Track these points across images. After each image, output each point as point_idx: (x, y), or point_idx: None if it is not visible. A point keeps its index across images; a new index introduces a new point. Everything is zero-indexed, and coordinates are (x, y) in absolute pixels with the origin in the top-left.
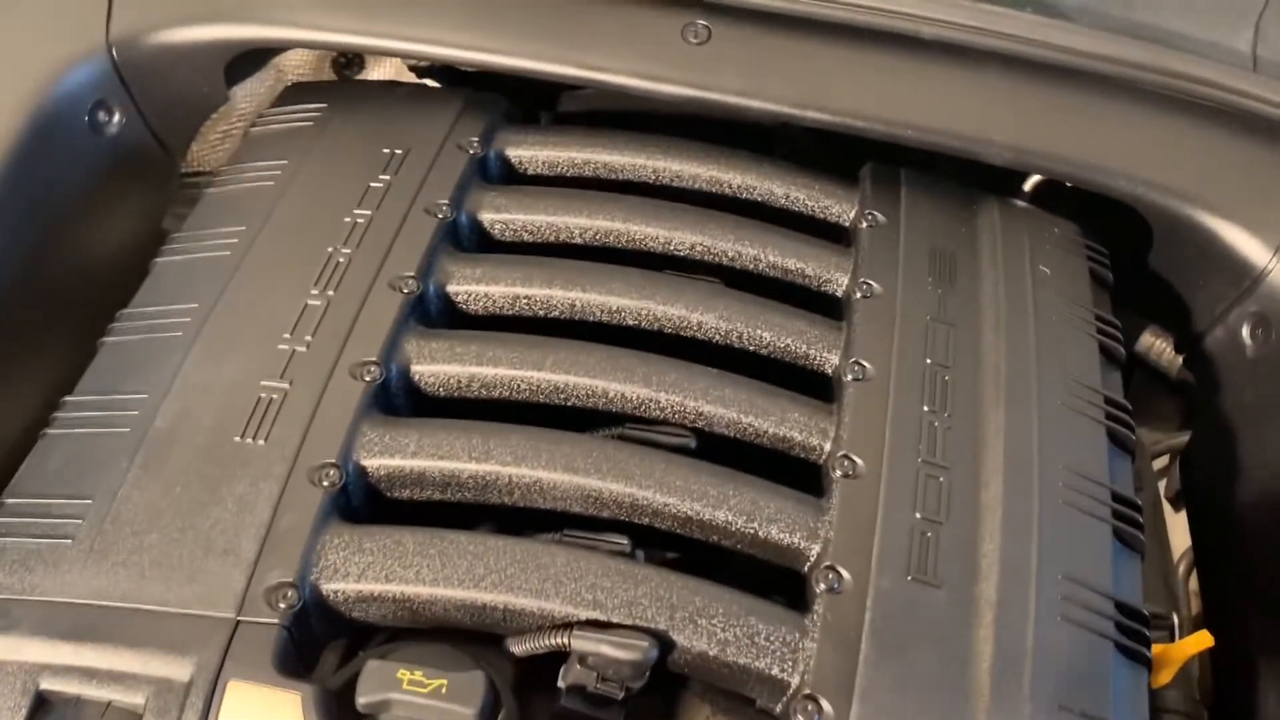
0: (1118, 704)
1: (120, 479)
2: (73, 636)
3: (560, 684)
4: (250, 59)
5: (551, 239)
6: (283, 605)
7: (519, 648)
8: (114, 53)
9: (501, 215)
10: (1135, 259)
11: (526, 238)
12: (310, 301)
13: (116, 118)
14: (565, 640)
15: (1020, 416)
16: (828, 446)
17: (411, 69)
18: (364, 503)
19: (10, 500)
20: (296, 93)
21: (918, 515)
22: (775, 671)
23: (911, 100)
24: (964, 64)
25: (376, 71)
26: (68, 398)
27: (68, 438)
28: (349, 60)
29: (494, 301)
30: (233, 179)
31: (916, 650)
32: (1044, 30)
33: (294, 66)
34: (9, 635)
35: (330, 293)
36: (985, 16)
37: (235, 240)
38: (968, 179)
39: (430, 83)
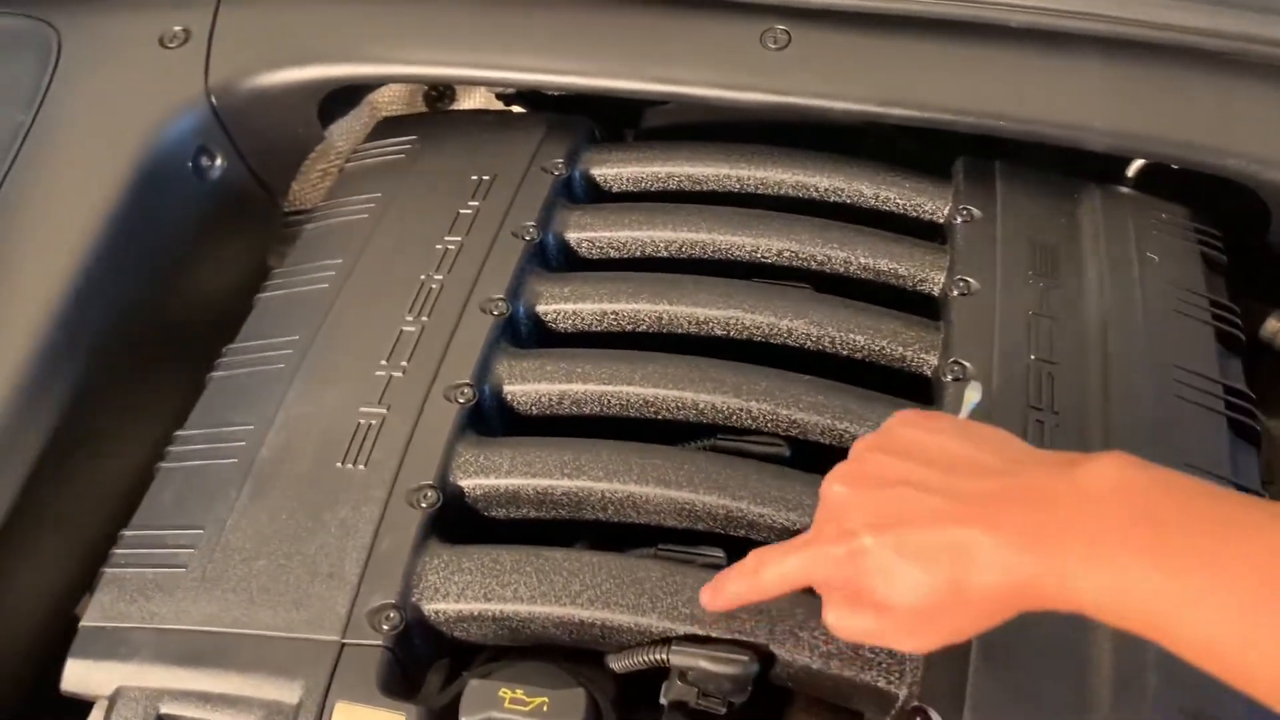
0: None
1: (229, 508)
2: (188, 662)
3: (662, 700)
4: (343, 97)
5: (638, 254)
6: (386, 627)
7: (618, 664)
8: (213, 99)
9: (587, 233)
10: (1254, 241)
11: (613, 254)
12: (405, 328)
13: (219, 162)
14: (664, 656)
15: (1132, 411)
16: None
17: (498, 97)
18: (462, 523)
19: (130, 533)
20: (387, 127)
21: None
22: (881, 684)
23: (1002, 91)
24: (1056, 49)
25: (466, 103)
26: (179, 432)
27: (180, 470)
28: (439, 93)
29: (582, 319)
30: (329, 214)
31: (1030, 660)
32: (1140, 8)
33: (386, 102)
34: (131, 662)
35: (424, 319)
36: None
37: (333, 273)
38: (1066, 169)
39: (517, 109)
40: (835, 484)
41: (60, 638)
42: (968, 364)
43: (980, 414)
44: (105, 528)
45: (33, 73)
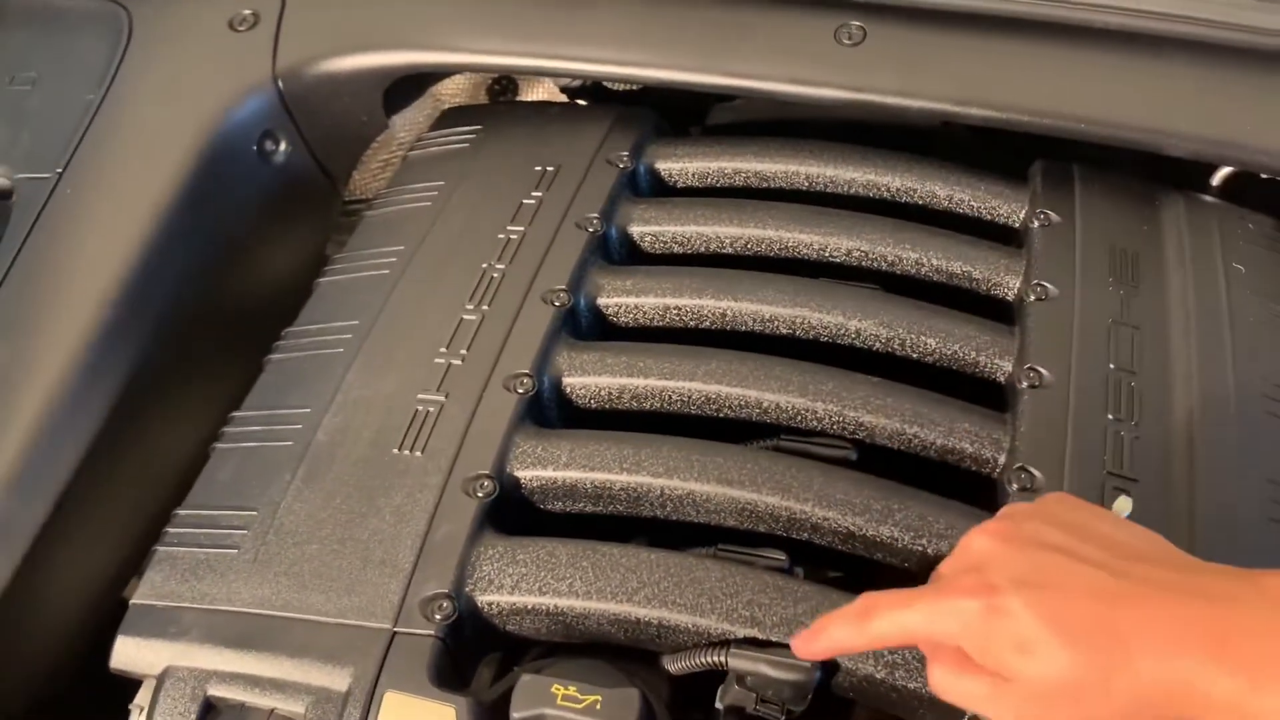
0: None
1: (283, 491)
2: (238, 644)
3: (718, 704)
4: (407, 87)
5: (702, 249)
6: (438, 617)
7: (674, 665)
8: (280, 84)
9: (651, 227)
10: None
11: (677, 249)
12: (465, 316)
13: (283, 146)
14: (722, 659)
15: (1218, 425)
16: (1002, 459)
17: (563, 90)
18: (518, 514)
19: (183, 512)
20: (452, 117)
21: None
22: None
23: (1084, 92)
24: (1140, 51)
25: (529, 97)
26: (235, 413)
27: (235, 451)
28: (503, 86)
29: (644, 313)
30: (392, 200)
31: None
32: (1227, 10)
33: (450, 94)
34: (180, 642)
35: (485, 307)
36: (1169, 1)
37: (394, 259)
38: (1148, 175)
39: (582, 103)
40: (980, 536)
41: (112, 616)
42: (1044, 370)
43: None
44: (160, 507)
45: (103, 53)
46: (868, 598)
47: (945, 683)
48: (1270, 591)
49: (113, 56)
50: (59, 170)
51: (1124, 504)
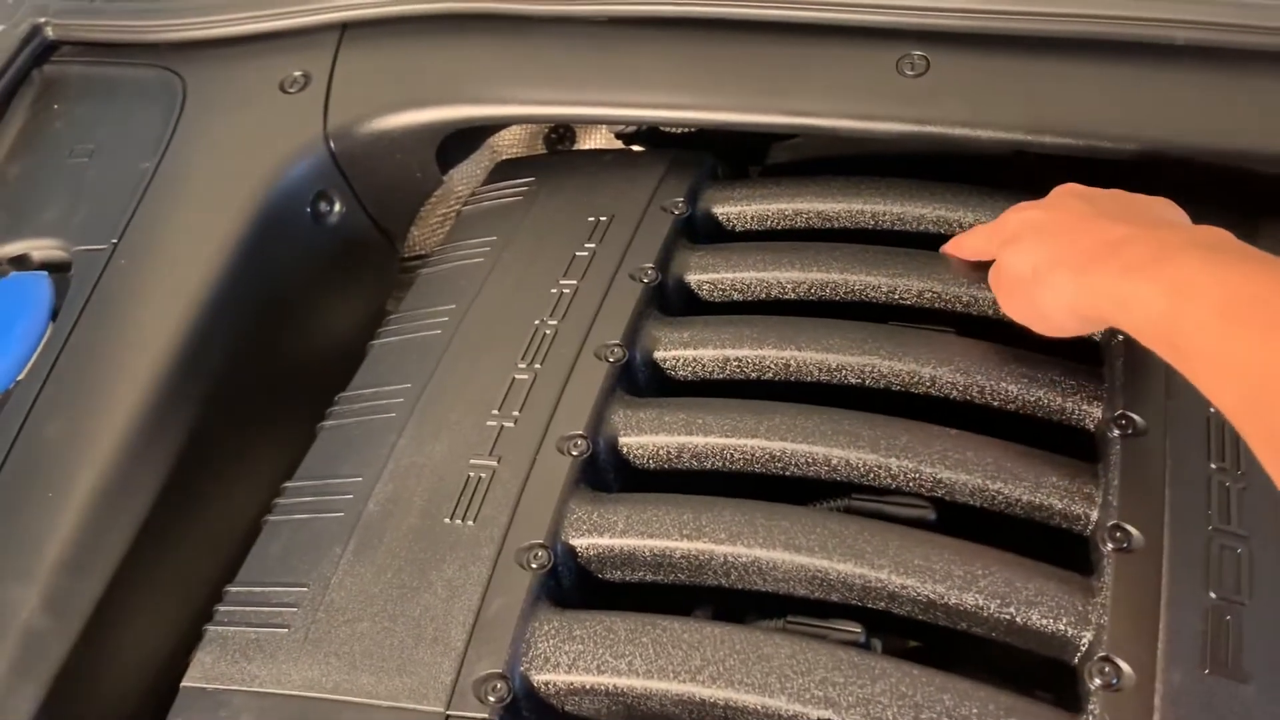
0: None
1: (334, 565)
2: None
3: None
4: (462, 141)
5: (763, 296)
6: (492, 698)
7: None
8: (331, 144)
9: (709, 275)
10: None
11: (736, 296)
12: (518, 375)
13: (337, 207)
14: None
15: None
16: (1095, 514)
17: (619, 136)
18: (574, 585)
19: (234, 589)
20: (505, 169)
21: (1212, 595)
22: None
23: (1168, 113)
24: (1226, 66)
25: (587, 144)
26: (288, 483)
27: (288, 524)
28: (560, 135)
29: (703, 365)
30: (445, 258)
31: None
32: None
33: (507, 145)
34: None
35: (537, 365)
36: (1250, 12)
37: (446, 318)
38: (1240, 196)
39: (637, 149)
40: (1060, 187)
41: (172, 696)
42: (1138, 417)
43: None
44: (219, 581)
45: (158, 121)
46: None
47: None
48: (1199, 236)
49: (167, 124)
50: (114, 241)
51: None
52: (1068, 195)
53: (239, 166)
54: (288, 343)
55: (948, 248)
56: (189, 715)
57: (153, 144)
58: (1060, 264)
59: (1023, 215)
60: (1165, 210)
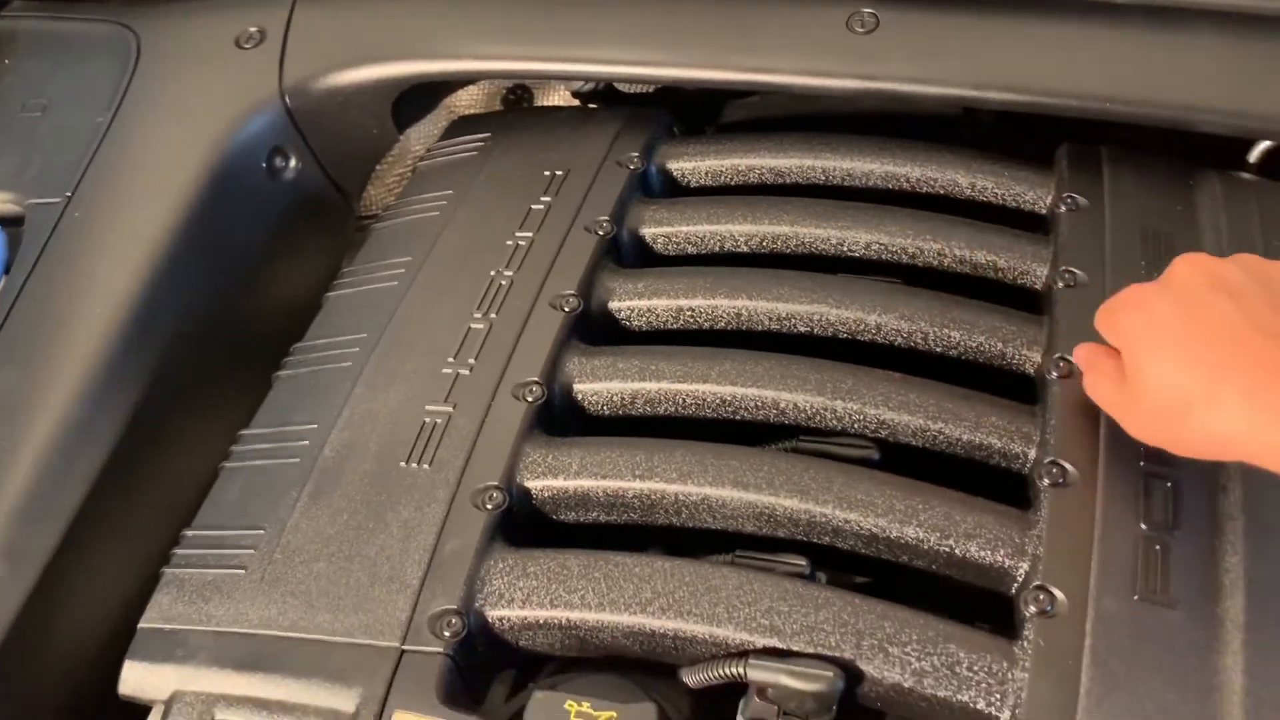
0: None
1: (290, 509)
2: (245, 667)
3: (739, 719)
4: (419, 99)
5: (716, 249)
6: (447, 633)
7: (692, 678)
8: (287, 100)
9: (663, 228)
10: None
11: (690, 250)
12: (473, 325)
13: (293, 163)
14: (741, 670)
15: None
16: (1032, 453)
17: (575, 94)
18: (528, 526)
19: (191, 533)
20: (462, 125)
21: (1143, 526)
22: (981, 705)
23: (1110, 71)
24: (1167, 25)
25: (545, 104)
26: (244, 431)
27: (243, 470)
28: (517, 95)
29: (657, 315)
30: (400, 212)
31: (1148, 680)
32: None
33: (464, 106)
34: (187, 665)
35: (493, 315)
36: None
37: (402, 270)
38: (1180, 154)
39: (593, 107)
40: (1181, 264)
41: (128, 642)
42: (1074, 361)
43: None
44: (175, 530)
45: (112, 75)
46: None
47: (1090, 384)
48: None
49: (121, 79)
50: (68, 194)
51: None
52: (1201, 285)
53: (194, 121)
54: (244, 298)
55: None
56: (146, 655)
57: (106, 99)
58: (1222, 404)
59: (1150, 314)
60: None
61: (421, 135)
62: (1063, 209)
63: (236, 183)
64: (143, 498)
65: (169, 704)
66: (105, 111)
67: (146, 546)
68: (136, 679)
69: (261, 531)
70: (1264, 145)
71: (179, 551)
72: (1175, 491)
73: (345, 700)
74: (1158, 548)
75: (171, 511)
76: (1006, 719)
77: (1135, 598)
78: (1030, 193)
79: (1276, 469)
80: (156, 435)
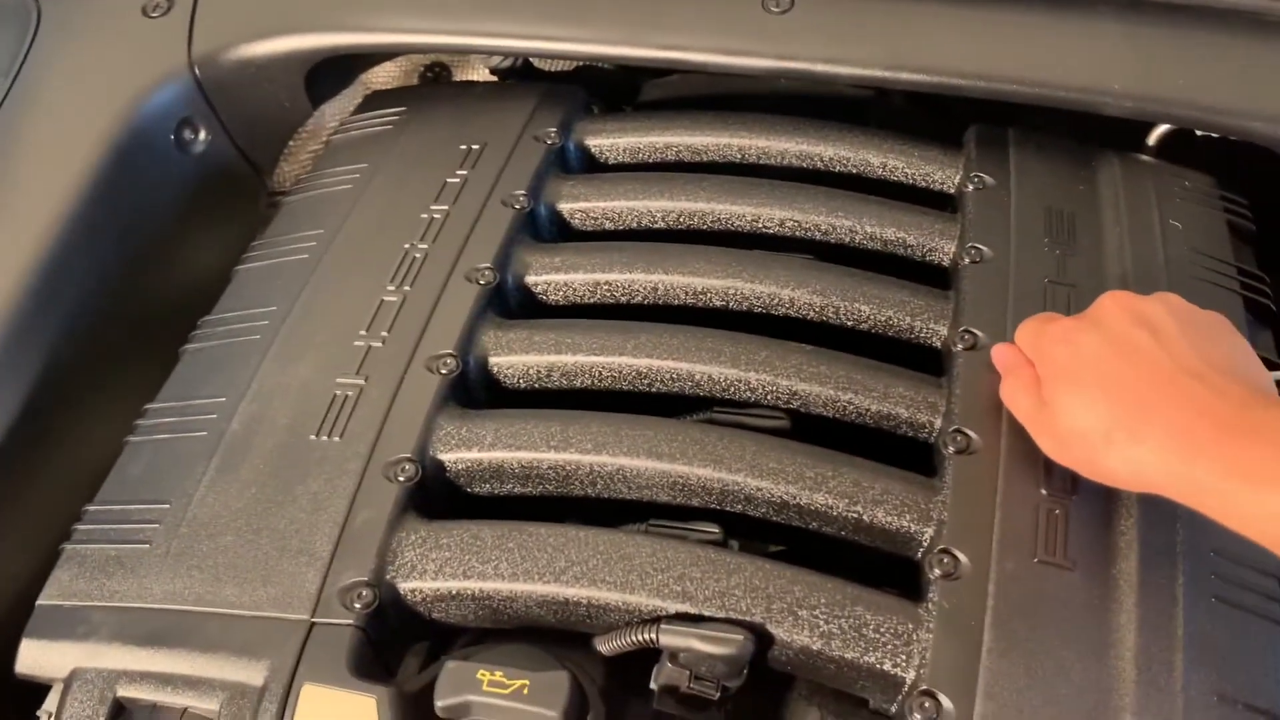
0: None
1: (197, 483)
2: (149, 642)
3: (652, 685)
4: (334, 73)
5: (633, 225)
6: (358, 605)
7: (605, 646)
8: (196, 70)
9: (580, 204)
10: None
11: (608, 225)
12: (386, 298)
13: (202, 135)
14: (653, 636)
15: None
16: (938, 422)
17: (493, 72)
18: (442, 498)
19: (93, 508)
20: (376, 99)
21: (1043, 491)
22: (887, 666)
23: (1015, 54)
24: (1070, 10)
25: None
26: (149, 405)
27: (148, 444)
28: (435, 73)
29: (574, 290)
30: (313, 185)
31: (1048, 638)
32: None
33: (381, 82)
34: (88, 642)
35: (406, 288)
36: None
37: (314, 243)
38: (1083, 136)
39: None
40: (1109, 300)
41: (24, 620)
42: (980, 332)
43: None
44: (73, 506)
45: (9, 43)
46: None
47: (1008, 392)
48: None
49: (20, 46)
50: None
51: None
52: (1127, 322)
53: (98, 92)
54: (151, 273)
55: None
56: (45, 633)
57: (4, 65)
58: (1144, 438)
59: (1077, 348)
60: (1234, 349)
61: (337, 111)
62: (970, 188)
63: (142, 154)
64: (42, 474)
65: (69, 681)
66: (3, 78)
67: (46, 524)
68: (34, 657)
69: (167, 506)
70: (1162, 129)
71: (80, 527)
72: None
73: (253, 673)
74: (1057, 512)
75: (72, 488)
76: (912, 679)
77: (1035, 560)
78: (939, 172)
79: (1189, 503)
80: (58, 413)
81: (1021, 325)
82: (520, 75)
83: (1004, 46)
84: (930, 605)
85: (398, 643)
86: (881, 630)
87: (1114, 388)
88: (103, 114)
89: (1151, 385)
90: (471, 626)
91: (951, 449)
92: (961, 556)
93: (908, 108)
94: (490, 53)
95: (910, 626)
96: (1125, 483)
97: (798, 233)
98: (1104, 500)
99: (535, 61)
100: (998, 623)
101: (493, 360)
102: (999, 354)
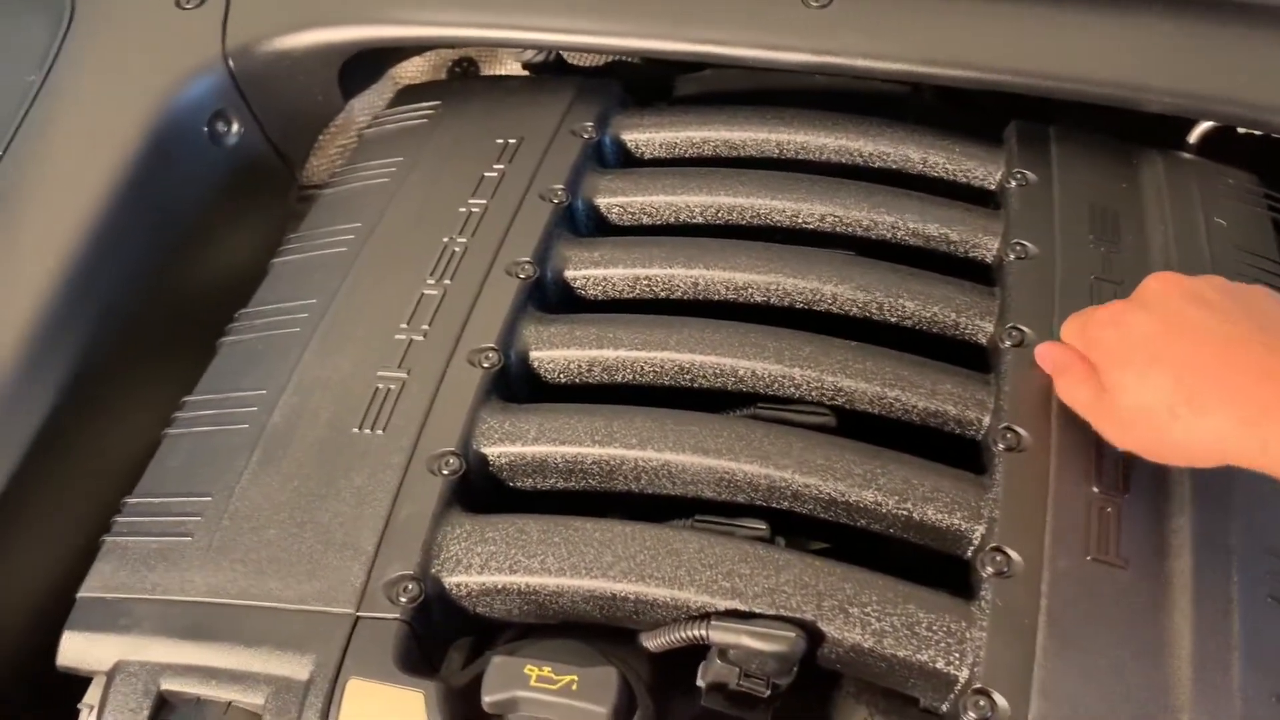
0: None
1: (238, 475)
2: (193, 635)
3: (700, 682)
4: (365, 67)
5: (672, 220)
6: (404, 599)
7: (653, 642)
8: (230, 63)
9: (618, 198)
10: None
11: (645, 220)
12: (427, 291)
13: (235, 128)
14: (703, 632)
15: None
16: (987, 419)
17: (525, 66)
18: (486, 493)
19: (133, 500)
20: (410, 94)
21: (1094, 489)
22: (940, 665)
23: (1056, 50)
24: (1113, 5)
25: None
26: (188, 398)
27: (187, 436)
28: (464, 67)
29: (613, 284)
30: (348, 179)
31: (1102, 638)
32: None
33: (410, 76)
34: (131, 635)
35: (447, 281)
36: None
37: (351, 236)
38: (1125, 133)
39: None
40: (1154, 281)
41: (66, 613)
42: (1026, 329)
43: None
44: (112, 499)
45: (45, 33)
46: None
47: (1065, 389)
48: None
49: (54, 37)
50: None
51: None
52: (1176, 299)
53: (132, 83)
54: (184, 264)
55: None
56: (87, 625)
57: (38, 57)
58: (1209, 406)
59: (1128, 328)
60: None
61: (366, 105)
62: (1013, 184)
63: (176, 147)
64: (80, 466)
65: (111, 674)
66: (37, 71)
67: (85, 516)
68: (76, 650)
69: (208, 498)
70: (1204, 126)
71: (121, 519)
72: (1125, 455)
73: (298, 668)
74: (1109, 510)
75: (111, 480)
76: (965, 677)
77: (1088, 558)
78: (981, 169)
79: (1263, 468)
80: (94, 405)
81: (1067, 321)
82: (552, 69)
83: (1045, 41)
84: (983, 603)
85: (442, 637)
86: (934, 628)
87: (1171, 361)
88: (136, 107)
89: (1209, 355)
90: (516, 621)
91: (1001, 446)
92: (1014, 554)
93: (939, 104)
94: (525, 46)
95: (963, 625)
96: (1195, 457)
97: (838, 228)
98: (1156, 497)
99: (567, 56)
100: (1052, 621)
101: (534, 354)
102: (1046, 353)
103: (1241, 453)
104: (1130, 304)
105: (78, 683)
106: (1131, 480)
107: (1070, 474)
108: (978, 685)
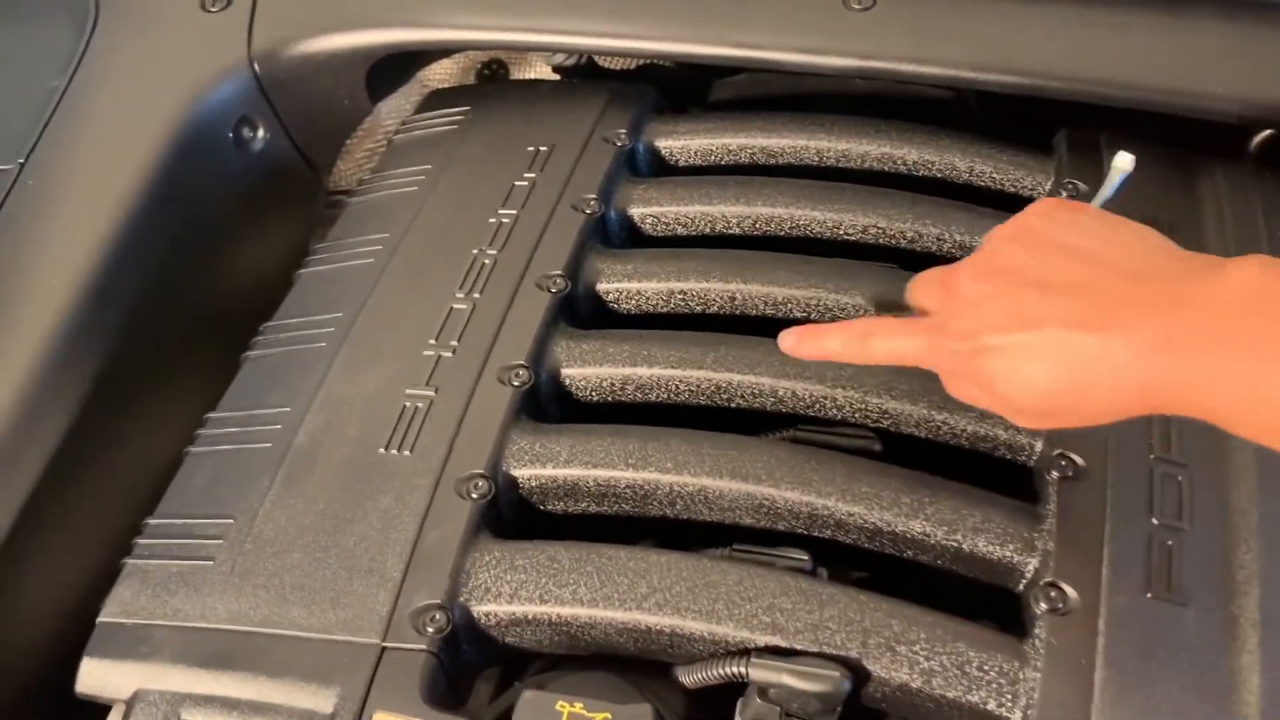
0: None
1: (262, 496)
2: (214, 664)
3: (737, 719)
4: (393, 70)
5: (708, 230)
6: (431, 630)
7: (689, 678)
8: (256, 66)
9: (653, 208)
10: None
11: (680, 231)
12: (456, 305)
13: (261, 133)
14: (743, 669)
15: None
16: (1039, 445)
17: (556, 70)
18: (516, 516)
19: (154, 522)
20: (438, 99)
21: (1154, 520)
22: (992, 706)
23: (1110, 55)
24: (1169, 9)
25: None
26: (211, 414)
27: (211, 455)
28: (493, 70)
29: (647, 298)
30: (376, 186)
31: (1163, 679)
32: None
33: (438, 80)
34: (151, 662)
35: (476, 295)
36: None
37: (379, 247)
38: (1180, 141)
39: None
40: (965, 277)
41: (82, 636)
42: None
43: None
44: (135, 518)
45: (68, 37)
46: (866, 321)
47: (958, 391)
48: (1222, 287)
49: (78, 41)
50: (20, 161)
51: (1123, 163)
52: (1025, 239)
53: (157, 86)
54: (209, 271)
55: (797, 337)
56: (106, 651)
57: (62, 61)
58: (1101, 328)
59: (975, 281)
60: (1125, 232)
61: (393, 109)
62: (1064, 194)
63: (201, 152)
64: (103, 484)
65: (131, 703)
66: (61, 75)
67: (105, 536)
68: (96, 676)
69: (230, 520)
70: (1265, 133)
71: (141, 541)
72: (1186, 484)
73: (322, 700)
74: (1170, 543)
75: (131, 499)
76: (1018, 719)
77: (1148, 595)
78: (1029, 178)
79: (1202, 412)
80: (116, 417)
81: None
82: (583, 73)
83: (1098, 46)
84: (1036, 642)
85: (470, 668)
86: (985, 668)
87: (1044, 372)
88: (161, 111)
89: (1087, 331)
90: (545, 653)
91: (1055, 474)
92: (1069, 590)
93: (984, 109)
94: (557, 50)
95: (1016, 664)
96: (1124, 411)
97: (881, 240)
98: (1220, 529)
99: (599, 59)
100: (1110, 662)
101: (565, 372)
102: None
103: (1178, 396)
104: (960, 265)
105: (95, 710)
106: (1193, 510)
107: (1129, 504)
108: None
